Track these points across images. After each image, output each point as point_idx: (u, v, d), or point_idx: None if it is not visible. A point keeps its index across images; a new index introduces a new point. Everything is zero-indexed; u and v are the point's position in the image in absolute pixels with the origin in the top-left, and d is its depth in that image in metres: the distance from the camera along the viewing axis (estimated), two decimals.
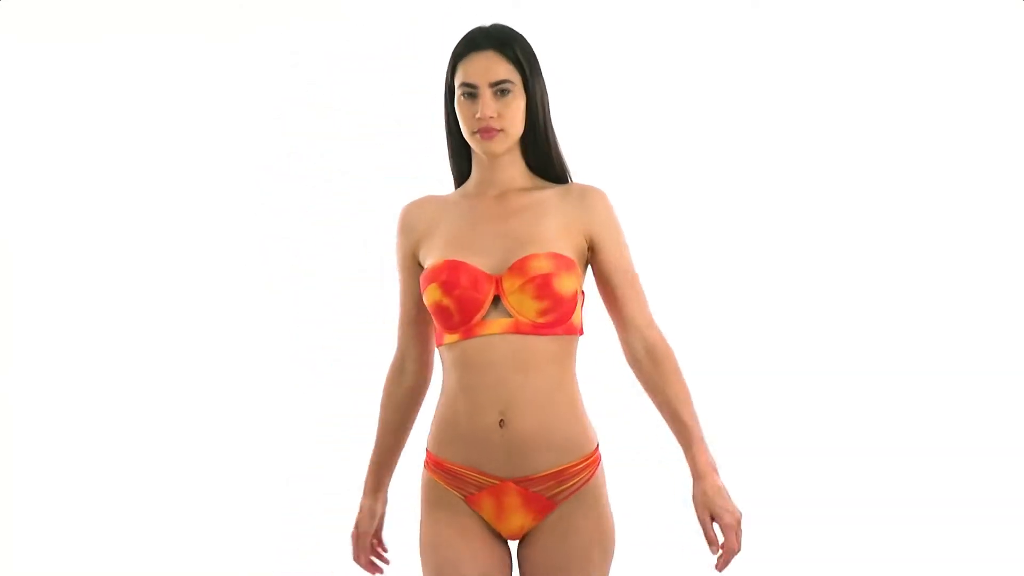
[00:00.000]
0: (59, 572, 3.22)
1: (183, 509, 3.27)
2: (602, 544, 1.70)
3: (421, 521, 1.73)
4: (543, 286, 1.65)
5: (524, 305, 1.65)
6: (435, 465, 1.70)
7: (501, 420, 1.64)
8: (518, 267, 1.66)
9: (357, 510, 1.85)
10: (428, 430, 1.73)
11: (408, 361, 1.81)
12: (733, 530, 1.64)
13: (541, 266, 1.66)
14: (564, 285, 1.66)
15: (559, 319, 1.68)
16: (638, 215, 3.28)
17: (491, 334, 1.66)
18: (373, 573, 1.87)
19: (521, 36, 1.74)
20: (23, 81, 3.27)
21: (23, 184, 3.30)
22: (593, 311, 1.74)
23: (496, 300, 1.66)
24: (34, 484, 3.30)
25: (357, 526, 1.85)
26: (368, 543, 1.85)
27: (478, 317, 1.65)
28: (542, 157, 1.78)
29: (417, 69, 3.19)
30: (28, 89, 3.28)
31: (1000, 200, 3.31)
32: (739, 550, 1.65)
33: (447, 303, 1.65)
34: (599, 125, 3.19)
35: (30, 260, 3.31)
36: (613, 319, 1.74)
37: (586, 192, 1.76)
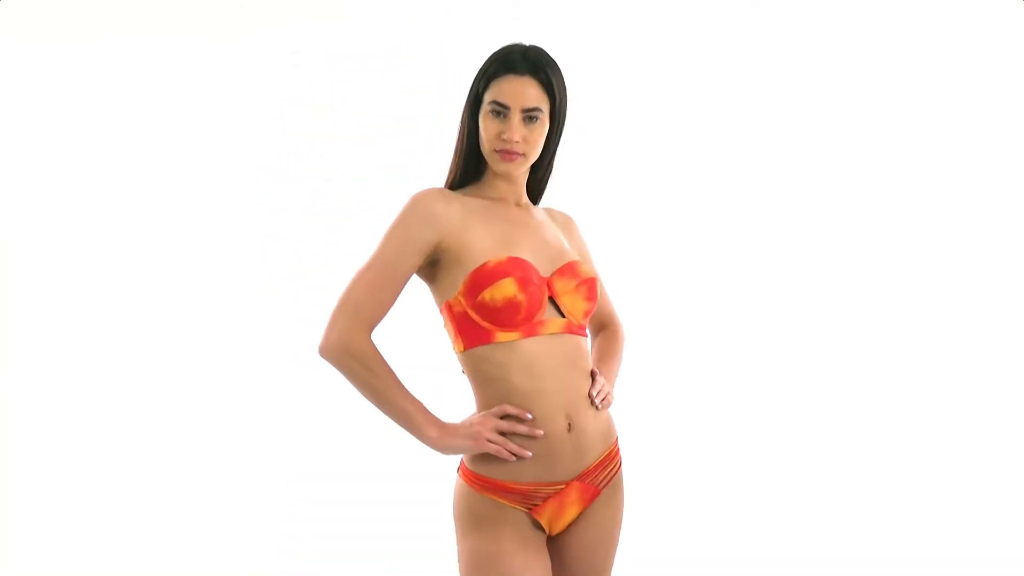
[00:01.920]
0: (59, 572, 3.22)
1: (182, 509, 3.27)
2: (620, 525, 1.82)
3: (474, 539, 1.69)
4: (592, 289, 1.78)
5: (576, 306, 1.73)
6: (499, 489, 1.68)
7: (569, 424, 1.69)
8: (569, 270, 1.75)
9: (454, 441, 1.66)
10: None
11: (369, 334, 1.68)
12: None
13: (588, 271, 1.79)
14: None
15: (588, 321, 1.83)
16: (638, 214, 3.32)
17: (550, 334, 1.69)
18: (534, 433, 1.66)
19: (556, 64, 1.76)
20: (23, 81, 3.27)
21: (23, 184, 3.30)
22: None
23: (550, 301, 1.71)
24: (33, 484, 3.30)
25: (476, 436, 1.66)
26: (497, 428, 1.66)
27: (539, 315, 1.68)
28: (537, 179, 1.87)
29: (417, 69, 3.20)
30: (28, 89, 3.27)
31: (1000, 199, 3.32)
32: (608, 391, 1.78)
33: (521, 299, 1.65)
34: (599, 122, 3.20)
35: (30, 260, 3.31)
36: (594, 317, 1.94)
37: (568, 221, 1.94)
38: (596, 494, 1.74)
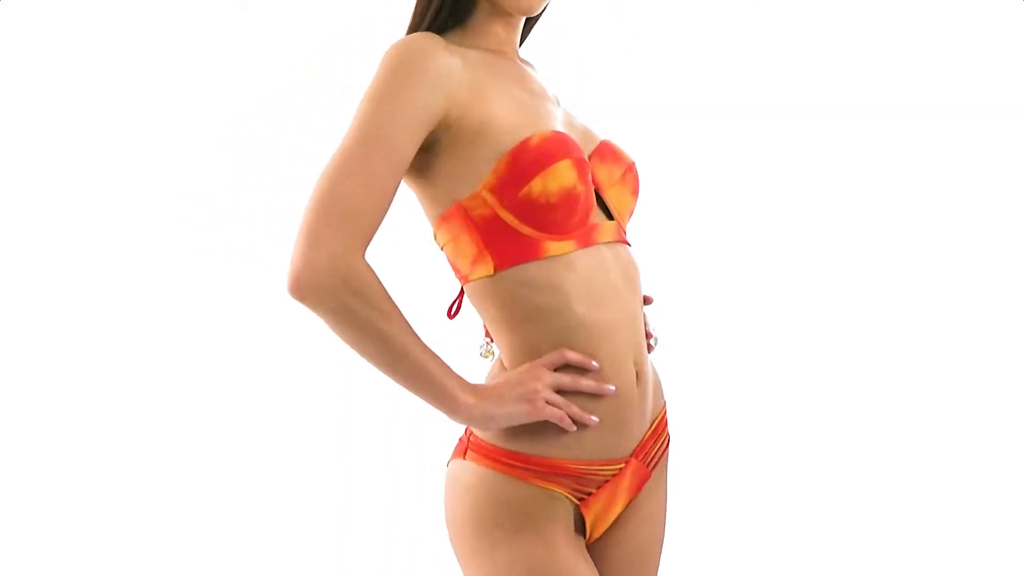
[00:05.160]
0: (59, 572, 3.21)
1: (182, 509, 3.27)
2: (666, 515, 1.36)
3: (514, 545, 1.16)
4: (637, 179, 1.27)
5: (624, 203, 1.24)
6: (552, 470, 1.16)
7: (637, 373, 1.20)
8: (610, 152, 1.24)
9: (490, 411, 1.14)
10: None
11: (365, 255, 1.10)
12: None
13: (627, 153, 1.28)
14: None
15: None
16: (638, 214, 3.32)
17: (606, 243, 1.19)
18: (604, 391, 1.16)
19: None
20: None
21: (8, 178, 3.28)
22: None
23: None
24: (33, 484, 3.29)
25: (531, 398, 1.13)
26: (556, 385, 1.15)
27: (592, 217, 1.18)
28: (527, 26, 1.38)
29: None
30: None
31: (1003, 199, 3.32)
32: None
33: (581, 190, 1.13)
34: (598, 121, 3.19)
35: (30, 259, 3.30)
36: None
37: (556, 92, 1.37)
38: (647, 478, 1.25)
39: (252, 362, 3.27)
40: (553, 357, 1.14)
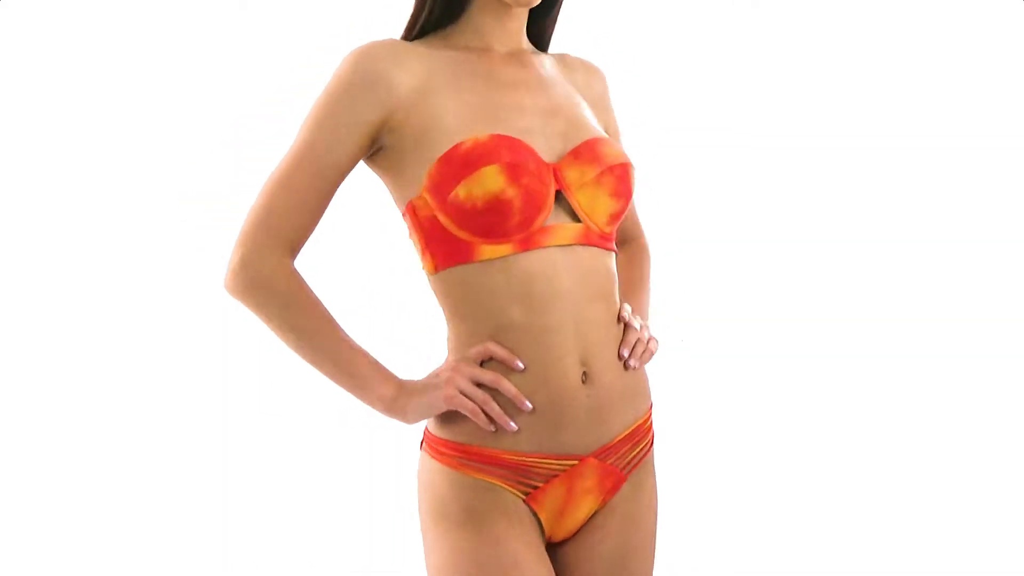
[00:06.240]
0: (59, 572, 3.21)
1: (182, 509, 3.27)
2: (655, 526, 1.34)
3: (459, 538, 1.17)
4: (624, 179, 1.25)
5: (598, 205, 1.21)
6: (486, 460, 1.17)
7: (584, 373, 1.20)
8: (588, 151, 1.22)
9: (421, 401, 1.18)
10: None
11: (290, 257, 1.20)
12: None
13: (617, 153, 1.26)
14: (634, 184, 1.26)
15: (616, 230, 1.28)
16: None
17: (557, 245, 1.18)
18: (521, 404, 1.17)
19: None
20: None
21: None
22: None
23: (557, 197, 1.19)
24: (33, 484, 3.29)
25: (444, 388, 1.17)
26: (474, 378, 1.16)
27: (541, 220, 1.17)
28: (546, 20, 1.36)
29: None
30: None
31: (1005, 200, 3.32)
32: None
33: (511, 194, 1.13)
34: None
35: (30, 259, 3.30)
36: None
37: (592, 74, 1.39)
38: (621, 481, 1.25)
39: (252, 362, 3.27)
40: (479, 350, 1.18)
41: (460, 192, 1.13)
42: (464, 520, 1.17)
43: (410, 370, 1.29)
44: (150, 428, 3.28)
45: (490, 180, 1.12)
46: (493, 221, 1.14)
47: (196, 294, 3.25)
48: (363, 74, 1.19)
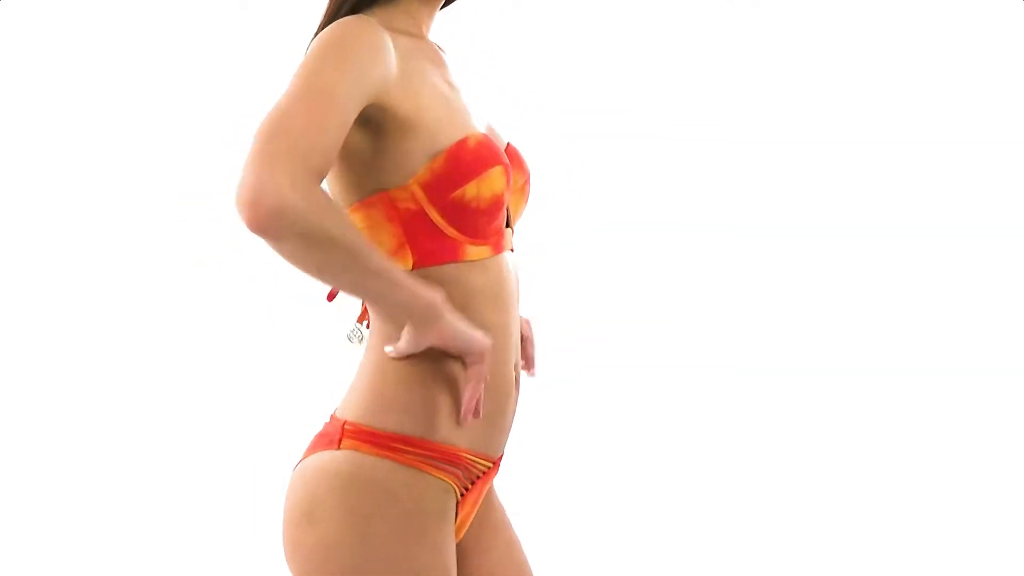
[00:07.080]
0: (58, 572, 3.21)
1: (179, 509, 3.27)
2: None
3: (395, 545, 1.06)
4: (528, 190, 1.24)
5: (517, 211, 1.22)
6: (443, 456, 1.09)
7: (516, 376, 1.19)
8: (514, 157, 1.21)
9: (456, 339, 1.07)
10: (369, 400, 1.11)
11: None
12: None
13: (527, 161, 1.27)
14: None
15: None
16: (637, 213, 3.32)
17: (507, 250, 1.18)
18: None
19: None
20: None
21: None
22: None
23: None
24: (32, 484, 3.29)
25: (480, 353, 1.08)
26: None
27: (502, 223, 1.15)
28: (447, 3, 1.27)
29: None
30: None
31: (1005, 197, 3.32)
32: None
33: (505, 197, 1.13)
34: (597, 121, 3.19)
35: (30, 258, 3.30)
36: None
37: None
38: (489, 480, 1.21)
39: (252, 361, 3.27)
40: (484, 362, 1.10)
41: (469, 191, 1.07)
42: (407, 525, 1.07)
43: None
44: (150, 427, 3.28)
45: (497, 181, 1.09)
46: (484, 222, 1.10)
47: (196, 294, 3.26)
48: (369, 40, 1.02)
